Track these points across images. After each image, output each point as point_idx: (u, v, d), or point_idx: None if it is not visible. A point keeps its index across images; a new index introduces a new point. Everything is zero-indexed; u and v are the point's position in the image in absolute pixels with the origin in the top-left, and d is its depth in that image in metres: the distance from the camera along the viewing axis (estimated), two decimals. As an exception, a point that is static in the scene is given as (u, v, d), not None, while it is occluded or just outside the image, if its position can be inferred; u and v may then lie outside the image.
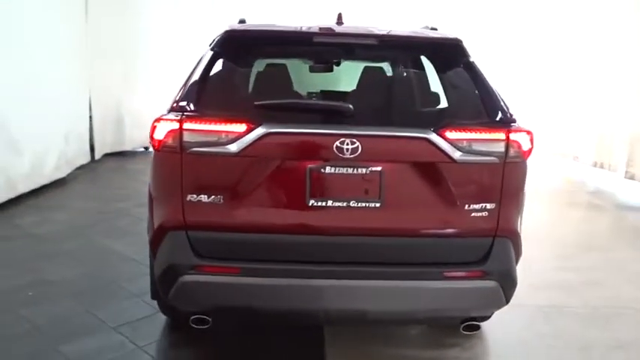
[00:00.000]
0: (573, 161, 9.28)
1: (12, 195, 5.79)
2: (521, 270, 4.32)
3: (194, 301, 2.59)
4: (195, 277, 2.48)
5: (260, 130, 2.40)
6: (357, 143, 2.40)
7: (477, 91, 2.66)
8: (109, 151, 8.57)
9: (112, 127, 8.59)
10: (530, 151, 2.62)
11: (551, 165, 9.32)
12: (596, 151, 8.63)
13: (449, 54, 2.82)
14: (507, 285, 2.60)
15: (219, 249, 2.52)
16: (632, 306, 3.86)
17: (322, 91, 3.16)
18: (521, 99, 9.63)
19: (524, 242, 4.97)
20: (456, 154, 2.46)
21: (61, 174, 6.87)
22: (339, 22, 3.07)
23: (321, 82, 3.28)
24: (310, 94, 3.03)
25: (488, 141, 2.51)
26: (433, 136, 2.44)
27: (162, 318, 3.35)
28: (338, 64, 3.02)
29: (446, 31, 3.16)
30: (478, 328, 2.78)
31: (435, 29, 3.17)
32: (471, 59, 2.76)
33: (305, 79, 3.04)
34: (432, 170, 2.50)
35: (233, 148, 2.40)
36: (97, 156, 8.18)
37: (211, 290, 2.50)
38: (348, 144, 2.40)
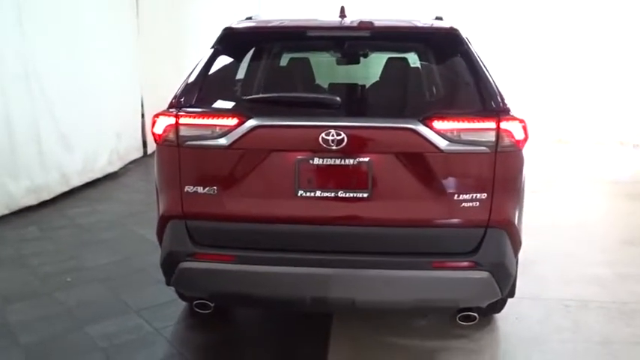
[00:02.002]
0: (634, 149, 8.81)
1: (66, 188, 6.23)
2: (554, 263, 4.29)
3: (193, 287, 2.74)
4: (192, 264, 2.61)
5: (249, 124, 2.49)
6: (343, 135, 2.45)
7: (471, 81, 2.63)
8: (160, 146, 8.97)
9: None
10: (524, 140, 2.55)
11: (623, 155, 8.90)
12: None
13: (444, 44, 2.80)
14: (501, 276, 2.56)
15: (214, 237, 2.64)
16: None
17: (330, 84, 3.21)
18: (575, 86, 9.27)
19: (566, 234, 4.90)
20: (444, 144, 2.45)
21: (113, 168, 7.30)
22: (342, 15, 3.11)
23: (323, 75, 3.34)
24: (317, 87, 3.09)
25: (477, 130, 2.48)
26: (419, 127, 2.44)
27: (182, 303, 3.53)
28: (342, 56, 3.07)
29: (451, 20, 3.13)
30: (475, 319, 2.75)
31: (441, 18, 3.14)
32: (467, 48, 2.72)
33: (305, 72, 3.10)
34: (421, 160, 2.50)
35: (225, 141, 2.51)
36: (149, 151, 8.58)
37: (207, 276, 2.63)
38: (333, 135, 2.44)
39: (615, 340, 3.18)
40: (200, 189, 2.59)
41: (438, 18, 3.14)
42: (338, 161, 2.51)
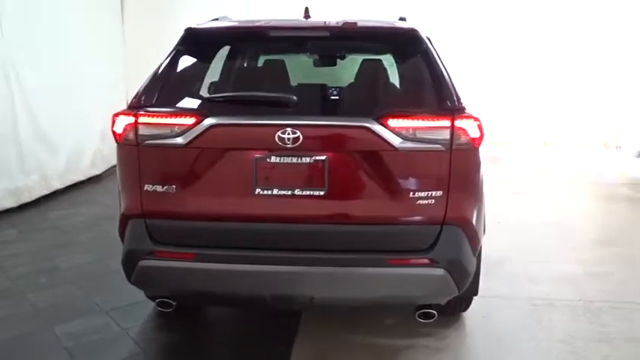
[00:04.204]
0: (616, 151, 8.88)
1: (47, 191, 6.24)
2: (526, 262, 4.34)
3: (152, 285, 2.76)
4: (151, 262, 2.63)
5: (206, 123, 2.52)
6: (298, 133, 2.47)
7: (428, 80, 2.66)
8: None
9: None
10: (480, 138, 2.58)
11: (606, 157, 8.97)
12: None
13: (403, 43, 2.83)
14: (457, 273, 2.58)
15: (173, 236, 2.66)
16: (631, 300, 3.69)
17: (289, 84, 3.22)
18: (560, 89, 9.34)
19: (541, 234, 4.95)
20: (398, 142, 2.48)
21: (97, 171, 7.31)
22: (307, 15, 3.14)
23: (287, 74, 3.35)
24: (276, 86, 3.09)
25: (431, 128, 2.50)
26: (374, 125, 2.47)
27: (152, 304, 3.53)
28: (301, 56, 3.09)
29: (415, 21, 3.17)
30: (434, 316, 2.76)
31: (404, 19, 3.17)
32: (426, 48, 2.75)
33: (266, 71, 3.12)
34: (376, 158, 2.53)
35: (182, 140, 2.54)
36: (135, 154, 8.59)
37: (166, 274, 2.65)
38: (289, 134, 2.47)
39: (577, 337, 3.21)
40: (159, 188, 2.61)
41: (402, 19, 3.17)
42: (294, 159, 2.54)
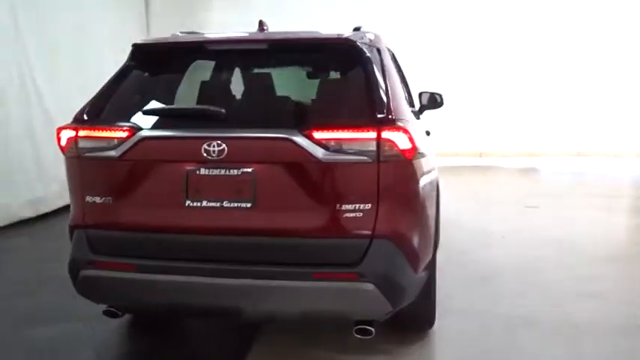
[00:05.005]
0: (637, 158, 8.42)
1: (68, 201, 6.50)
2: (516, 278, 4.12)
3: (95, 294, 2.82)
4: (92, 272, 2.70)
5: (137, 136, 2.58)
6: (223, 145, 2.48)
7: (362, 91, 2.60)
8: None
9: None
10: (412, 150, 2.50)
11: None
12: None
13: (340, 54, 2.80)
14: (388, 288, 2.49)
15: (111, 246, 2.73)
16: (617, 323, 3.43)
17: (222, 96, 3.19)
18: (594, 98, 8.95)
19: (547, 249, 4.72)
20: (322, 154, 2.44)
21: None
22: (261, 28, 3.16)
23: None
24: (208, 98, 3.09)
25: (357, 140, 2.44)
26: (297, 137, 2.44)
27: (127, 314, 3.61)
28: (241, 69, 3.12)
29: (371, 29, 3.12)
30: (371, 333, 2.67)
31: (358, 29, 3.12)
32: (363, 59, 2.68)
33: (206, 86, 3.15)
34: (301, 170, 2.50)
35: (115, 152, 2.61)
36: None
37: (103, 284, 2.71)
38: (214, 146, 2.49)
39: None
40: (98, 199, 2.70)
41: (357, 29, 3.11)
42: (222, 172, 2.54)
